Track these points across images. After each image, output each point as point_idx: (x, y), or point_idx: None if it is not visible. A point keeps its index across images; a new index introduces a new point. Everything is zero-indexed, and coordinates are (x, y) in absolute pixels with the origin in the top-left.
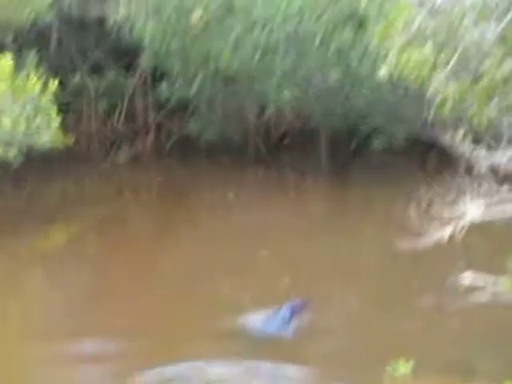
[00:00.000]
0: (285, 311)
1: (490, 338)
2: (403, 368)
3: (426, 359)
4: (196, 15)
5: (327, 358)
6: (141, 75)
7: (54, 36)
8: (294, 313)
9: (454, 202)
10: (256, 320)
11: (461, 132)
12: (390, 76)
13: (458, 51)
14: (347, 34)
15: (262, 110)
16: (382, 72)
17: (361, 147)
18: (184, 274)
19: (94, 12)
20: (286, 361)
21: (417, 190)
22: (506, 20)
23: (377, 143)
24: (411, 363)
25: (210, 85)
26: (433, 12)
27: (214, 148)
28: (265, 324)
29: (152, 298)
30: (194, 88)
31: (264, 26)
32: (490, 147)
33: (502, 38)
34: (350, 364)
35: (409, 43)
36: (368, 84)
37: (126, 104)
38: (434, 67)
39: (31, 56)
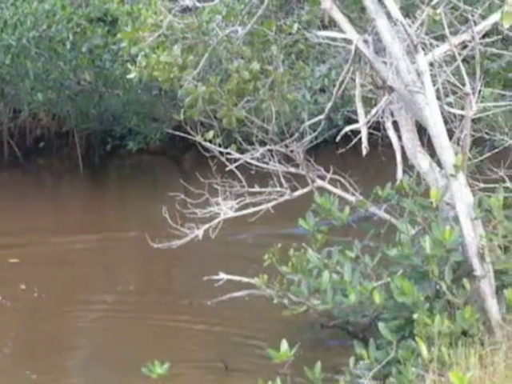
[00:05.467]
0: None
1: (246, 334)
2: (159, 369)
3: (183, 359)
4: None
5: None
6: None
7: None
8: None
9: (207, 202)
10: None
11: (211, 133)
12: (142, 77)
13: (208, 52)
14: (98, 35)
15: (16, 113)
16: (132, 74)
17: (117, 148)
18: None
19: None
20: None
21: (173, 190)
22: (252, 21)
23: (132, 144)
24: (168, 364)
25: None
26: (183, 13)
27: None
28: None
29: None
30: None
31: (15, 28)
32: (240, 147)
33: (250, 40)
34: (105, 369)
35: (159, 45)
36: (122, 85)
37: None
38: (183, 68)
39: None
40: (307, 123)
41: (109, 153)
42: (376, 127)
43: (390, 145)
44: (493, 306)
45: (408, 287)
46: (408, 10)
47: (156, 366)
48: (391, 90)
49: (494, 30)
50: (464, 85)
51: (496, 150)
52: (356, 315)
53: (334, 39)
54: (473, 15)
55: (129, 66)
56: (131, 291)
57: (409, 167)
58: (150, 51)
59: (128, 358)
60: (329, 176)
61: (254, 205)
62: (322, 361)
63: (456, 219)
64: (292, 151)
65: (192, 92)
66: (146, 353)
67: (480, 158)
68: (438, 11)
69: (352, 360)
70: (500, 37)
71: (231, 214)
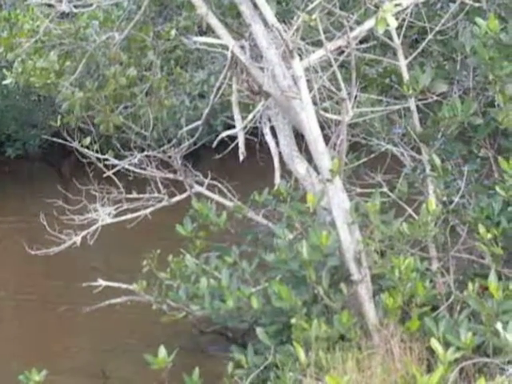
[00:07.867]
0: None
1: (124, 341)
2: (36, 376)
3: (62, 366)
4: None
5: None
6: None
7: None
8: None
9: (86, 209)
10: None
11: (88, 139)
12: (19, 83)
13: (85, 58)
14: None
15: None
16: (8, 80)
17: None
18: None
19: None
20: None
21: (52, 196)
22: (129, 27)
23: (11, 150)
24: (45, 371)
25: None
26: (60, 19)
27: None
28: None
29: None
30: None
31: None
32: (118, 153)
33: (127, 46)
34: None
35: (36, 50)
36: None
37: None
38: (60, 74)
39: None
40: (185, 129)
41: None
42: (254, 133)
43: (269, 150)
44: (370, 310)
45: (285, 292)
46: (284, 16)
47: (33, 374)
48: (268, 95)
49: (371, 35)
50: (340, 90)
51: (373, 155)
52: (234, 320)
53: (212, 45)
54: (348, 21)
55: (5, 71)
56: (6, 296)
57: (287, 172)
58: (27, 57)
59: (4, 366)
60: (207, 182)
61: (132, 211)
62: (200, 367)
63: (333, 224)
64: (170, 157)
65: (69, 98)
66: (23, 360)
67: (357, 163)
68: (314, 17)
69: (230, 365)
70: (376, 42)
71: (109, 220)
